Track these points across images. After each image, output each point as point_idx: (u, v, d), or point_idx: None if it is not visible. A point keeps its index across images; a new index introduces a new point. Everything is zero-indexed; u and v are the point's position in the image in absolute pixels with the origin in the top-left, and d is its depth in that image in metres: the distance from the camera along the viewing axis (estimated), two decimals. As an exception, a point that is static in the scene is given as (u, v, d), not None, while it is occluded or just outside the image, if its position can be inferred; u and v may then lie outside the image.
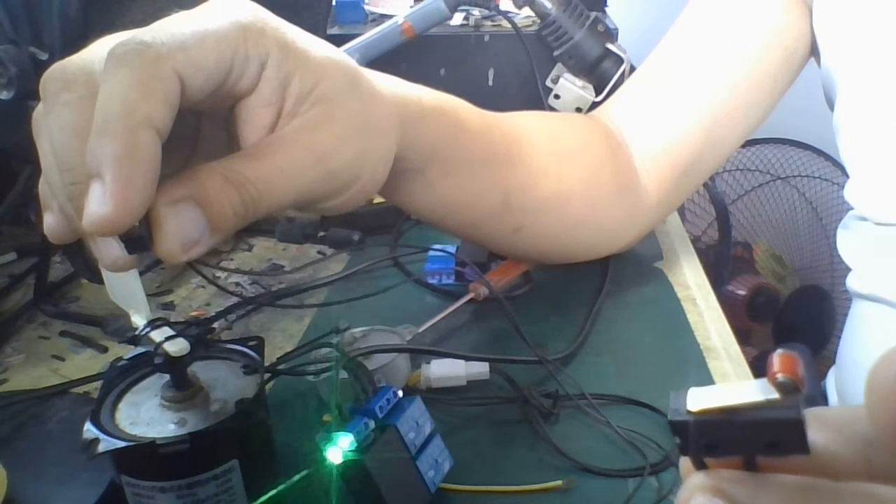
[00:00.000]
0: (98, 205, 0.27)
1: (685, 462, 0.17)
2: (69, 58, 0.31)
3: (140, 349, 0.38)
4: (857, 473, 0.16)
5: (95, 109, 0.28)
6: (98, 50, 0.30)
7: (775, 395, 0.15)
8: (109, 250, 0.30)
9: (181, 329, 0.37)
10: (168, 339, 0.36)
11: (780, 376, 0.15)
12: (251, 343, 0.41)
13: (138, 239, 0.29)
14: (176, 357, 0.36)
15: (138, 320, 0.36)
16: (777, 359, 0.15)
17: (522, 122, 0.54)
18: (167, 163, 0.36)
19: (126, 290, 0.36)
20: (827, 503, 0.15)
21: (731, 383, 0.16)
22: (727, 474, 0.16)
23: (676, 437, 0.16)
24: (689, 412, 0.16)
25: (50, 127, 0.29)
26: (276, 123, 0.34)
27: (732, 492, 0.15)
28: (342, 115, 0.35)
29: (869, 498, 0.14)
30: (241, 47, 0.31)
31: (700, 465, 0.17)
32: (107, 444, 0.34)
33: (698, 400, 0.16)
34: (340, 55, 0.36)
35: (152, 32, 0.29)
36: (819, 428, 0.17)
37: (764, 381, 0.16)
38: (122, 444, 0.34)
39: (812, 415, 0.17)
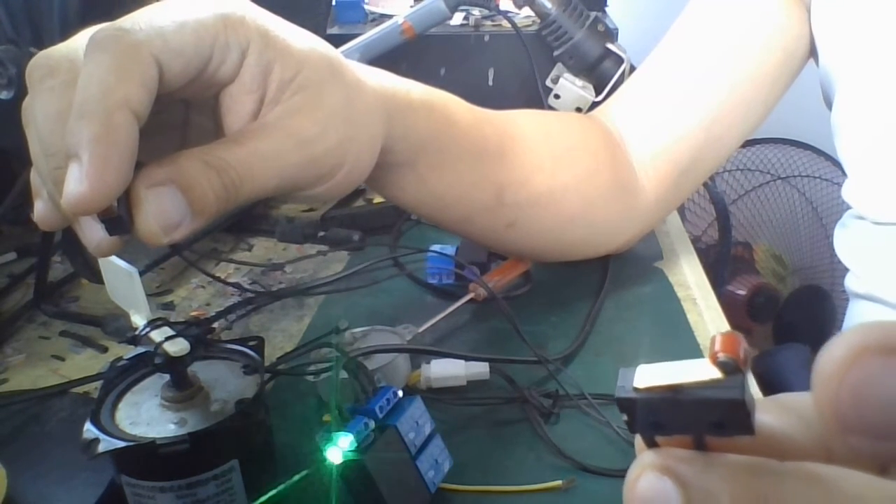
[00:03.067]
0: (75, 184, 0.28)
1: (639, 440, 0.17)
2: (54, 46, 0.31)
3: (140, 349, 0.38)
4: (813, 459, 0.16)
5: (75, 93, 0.29)
6: (82, 39, 0.31)
7: (719, 375, 0.15)
8: (92, 233, 0.31)
9: (181, 329, 0.37)
10: (168, 338, 0.36)
11: (721, 356, 0.15)
12: (252, 343, 0.41)
13: (119, 220, 0.29)
14: (176, 357, 0.36)
15: (138, 320, 0.36)
16: (719, 339, 0.15)
17: (517, 119, 0.54)
18: (157, 153, 0.37)
19: (126, 291, 0.36)
20: (770, 480, 0.15)
21: (680, 361, 0.16)
22: (676, 453, 0.16)
23: (624, 415, 0.16)
24: (635, 389, 0.16)
25: (35, 113, 0.30)
26: (259, 111, 0.34)
27: (680, 470, 0.15)
28: (324, 102, 0.35)
29: (811, 477, 0.14)
30: (222, 35, 0.32)
31: (651, 444, 0.17)
32: (106, 444, 0.34)
33: (646, 377, 0.16)
34: (323, 45, 0.37)
35: (132, 19, 0.30)
36: (779, 413, 0.17)
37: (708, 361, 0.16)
38: (121, 444, 0.34)
39: (774, 400, 0.17)
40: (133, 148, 0.29)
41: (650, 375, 0.16)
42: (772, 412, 0.17)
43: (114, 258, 0.35)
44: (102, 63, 0.29)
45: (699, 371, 0.15)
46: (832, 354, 0.14)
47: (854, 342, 0.14)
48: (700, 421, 0.15)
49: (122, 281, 0.35)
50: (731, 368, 0.15)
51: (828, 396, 0.14)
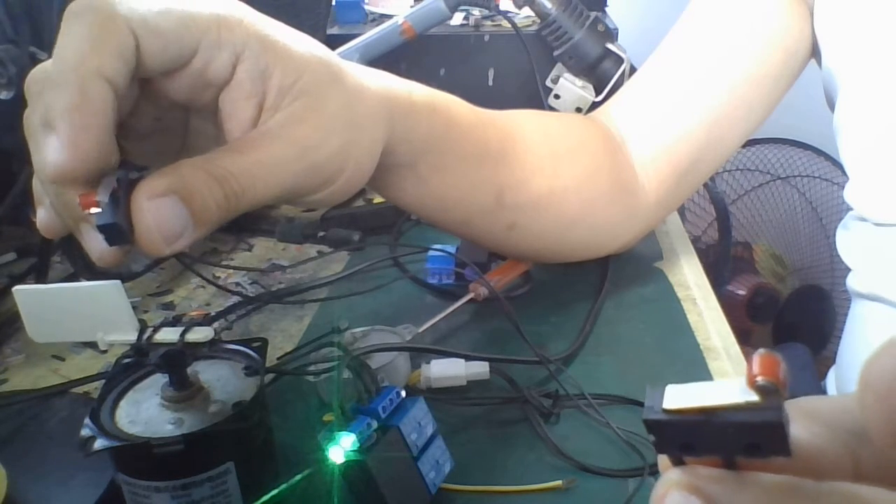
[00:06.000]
0: (53, 154, 0.28)
1: (663, 458, 0.16)
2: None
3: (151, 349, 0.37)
4: (842, 469, 0.16)
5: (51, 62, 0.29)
6: None
7: (755, 398, 0.15)
8: (94, 243, 0.31)
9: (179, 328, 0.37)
10: (187, 329, 0.35)
11: (760, 379, 0.14)
12: (255, 344, 0.41)
13: (118, 231, 0.29)
14: (177, 357, 0.36)
15: (118, 337, 0.35)
16: (757, 360, 0.15)
17: (518, 120, 0.54)
18: (158, 157, 0.37)
19: (99, 310, 0.34)
20: (808, 502, 0.14)
21: (710, 382, 0.16)
22: (705, 472, 0.15)
23: (651, 435, 0.16)
24: (664, 410, 0.16)
25: (36, 125, 0.30)
26: (259, 117, 0.34)
27: (710, 490, 0.15)
28: (325, 108, 0.35)
29: (851, 498, 0.14)
30: (213, 32, 0.32)
31: (678, 462, 0.16)
32: (102, 442, 0.34)
33: (675, 398, 0.16)
34: (323, 50, 0.37)
35: None
36: (805, 422, 0.16)
37: (743, 381, 0.15)
38: (116, 442, 0.34)
39: (797, 407, 0.17)
40: (110, 117, 0.29)
41: (680, 397, 0.16)
42: (798, 421, 0.16)
43: (74, 284, 0.34)
44: (77, 32, 0.29)
45: (733, 393, 0.15)
46: (885, 366, 0.13)
47: None
48: (733, 443, 0.15)
49: (87, 303, 0.34)
50: (770, 391, 0.14)
51: (882, 415, 0.13)
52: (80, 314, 0.34)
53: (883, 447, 0.13)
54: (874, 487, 0.14)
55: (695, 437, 0.15)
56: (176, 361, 0.36)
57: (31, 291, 0.34)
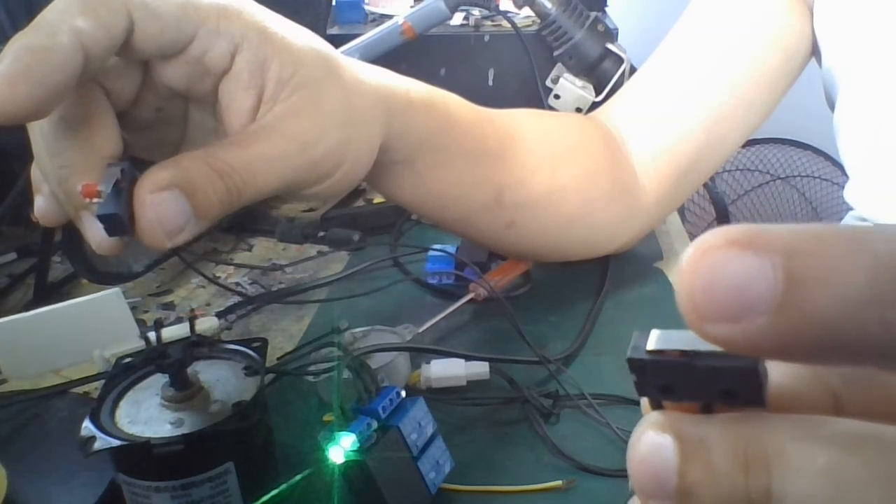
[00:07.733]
0: None
1: (645, 401, 0.17)
2: None
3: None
4: (821, 411, 0.16)
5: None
6: None
7: None
8: (94, 231, 0.31)
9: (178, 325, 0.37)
10: (193, 321, 0.35)
11: None
12: (255, 344, 0.41)
13: (118, 222, 0.29)
14: (181, 358, 0.36)
15: (121, 348, 0.35)
16: None
17: (517, 119, 0.54)
18: (157, 148, 0.37)
19: (96, 323, 0.34)
20: (760, 426, 0.15)
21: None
22: (678, 415, 0.16)
23: (634, 375, 0.16)
24: (648, 352, 0.16)
25: None
26: (258, 108, 0.34)
27: (679, 427, 0.16)
28: (324, 102, 0.35)
29: (801, 419, 0.15)
30: (212, 20, 0.32)
31: (657, 407, 0.17)
32: (102, 442, 0.34)
33: (660, 341, 0.16)
34: (321, 44, 0.37)
35: None
36: (786, 366, 0.17)
37: None
38: (116, 442, 0.34)
39: None
40: (65, 73, 0.27)
41: (664, 340, 0.16)
42: (780, 366, 0.17)
43: (63, 304, 0.33)
44: None
45: None
46: (685, 255, 0.15)
47: (702, 242, 0.14)
48: (711, 388, 0.16)
49: (82, 319, 0.34)
50: None
51: (684, 289, 0.14)
52: (71, 335, 0.34)
53: (692, 324, 0.14)
54: (836, 418, 0.15)
55: (675, 379, 0.16)
56: (191, 356, 0.36)
57: (4, 325, 0.33)
